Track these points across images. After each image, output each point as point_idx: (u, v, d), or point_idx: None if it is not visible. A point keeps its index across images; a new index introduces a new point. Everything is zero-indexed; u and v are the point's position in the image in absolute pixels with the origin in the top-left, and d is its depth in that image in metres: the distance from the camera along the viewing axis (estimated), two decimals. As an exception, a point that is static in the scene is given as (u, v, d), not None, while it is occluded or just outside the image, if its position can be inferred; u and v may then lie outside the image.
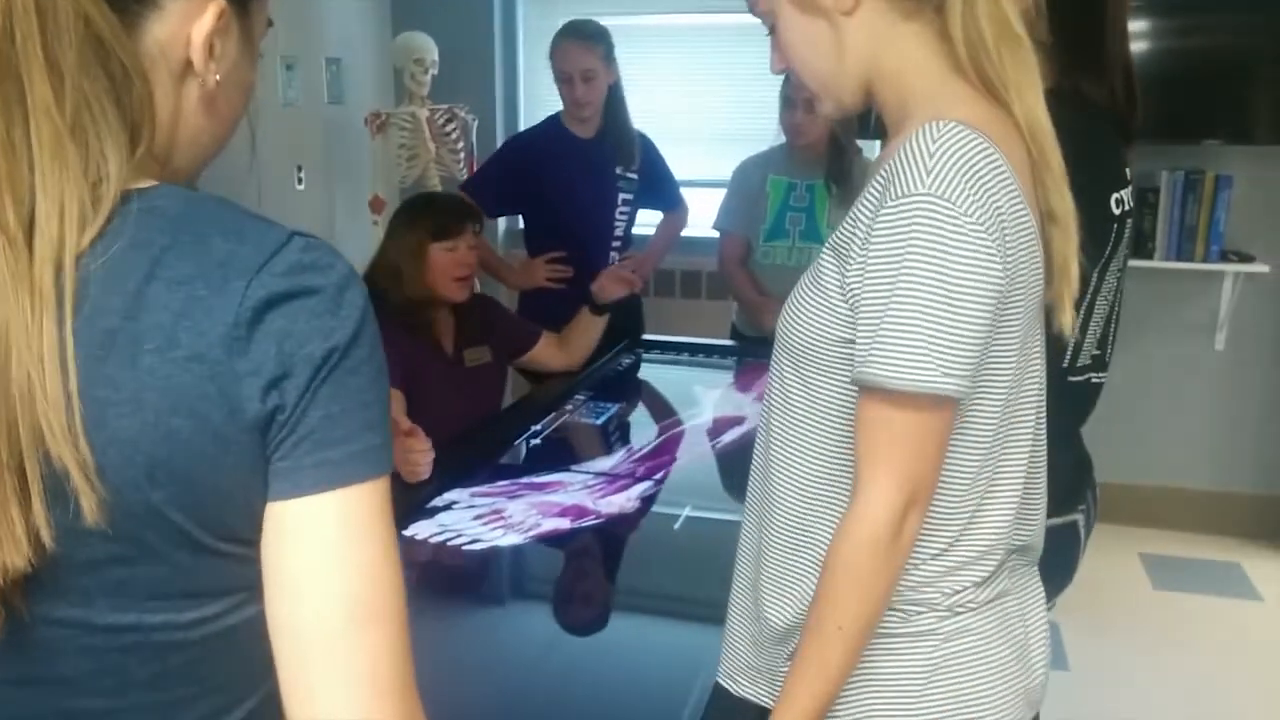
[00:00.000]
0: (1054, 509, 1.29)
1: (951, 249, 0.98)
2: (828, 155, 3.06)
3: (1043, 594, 1.25)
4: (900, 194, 1.00)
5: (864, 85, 1.15)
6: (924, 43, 1.09)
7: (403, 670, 0.71)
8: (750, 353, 3.08)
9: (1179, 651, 3.21)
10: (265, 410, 0.67)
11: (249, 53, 0.81)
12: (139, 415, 0.66)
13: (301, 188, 3.83)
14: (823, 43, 1.14)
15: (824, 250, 1.12)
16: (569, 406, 2.58)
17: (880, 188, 1.04)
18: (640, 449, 2.30)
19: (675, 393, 2.87)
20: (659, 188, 3.45)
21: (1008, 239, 1.01)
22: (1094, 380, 1.71)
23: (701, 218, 3.60)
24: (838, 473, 1.12)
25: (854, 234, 1.07)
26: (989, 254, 0.99)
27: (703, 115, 4.24)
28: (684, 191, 3.57)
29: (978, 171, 0.99)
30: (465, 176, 3.88)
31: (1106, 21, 1.62)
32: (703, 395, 2.74)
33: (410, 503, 1.93)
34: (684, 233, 3.62)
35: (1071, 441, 1.72)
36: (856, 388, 1.05)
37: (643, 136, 3.35)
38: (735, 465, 2.30)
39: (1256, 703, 3.00)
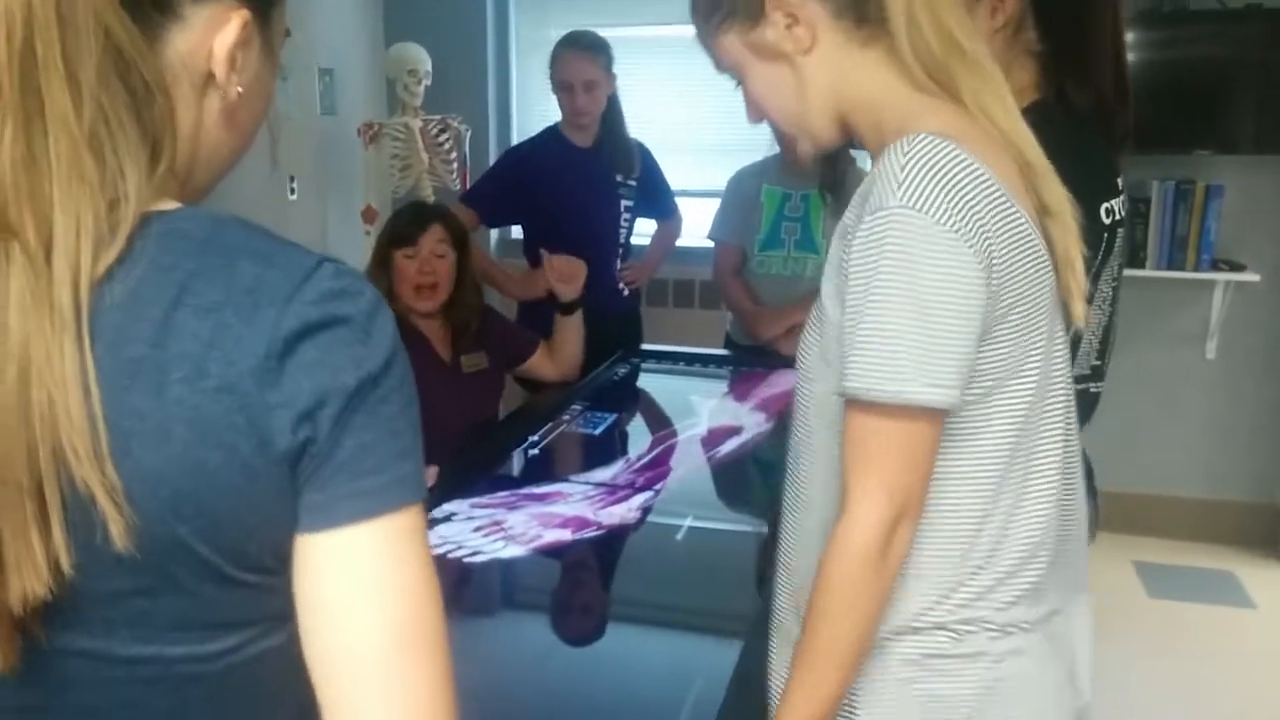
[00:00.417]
0: None
1: (923, 259, 0.98)
2: (822, 165, 3.06)
3: (1089, 613, 1.24)
4: (874, 209, 1.01)
5: (837, 118, 1.16)
6: (885, 67, 1.10)
7: (446, 696, 0.71)
8: (745, 362, 3.09)
9: (1173, 659, 3.22)
10: (296, 442, 0.66)
11: (270, 63, 0.80)
12: (165, 447, 0.64)
13: (294, 198, 3.82)
14: (788, 85, 1.16)
15: (823, 278, 1.13)
16: (566, 416, 2.58)
17: (858, 206, 1.06)
18: (639, 459, 2.29)
19: (672, 402, 2.87)
20: (655, 197, 3.47)
21: (995, 241, 1.01)
22: (1092, 390, 1.71)
23: (695, 227, 3.60)
24: None
25: (839, 258, 1.08)
26: (964, 261, 0.99)
27: (696, 125, 4.25)
28: (678, 201, 3.58)
29: (952, 179, 1.00)
30: (458, 187, 3.88)
31: (1093, 23, 1.63)
32: (699, 405, 2.74)
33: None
34: (677, 242, 3.64)
35: None
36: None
37: (641, 145, 3.37)
38: (735, 475, 2.30)
39: (1251, 710, 3.01)
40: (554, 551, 1.85)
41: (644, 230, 3.55)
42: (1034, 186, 1.09)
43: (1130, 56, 3.44)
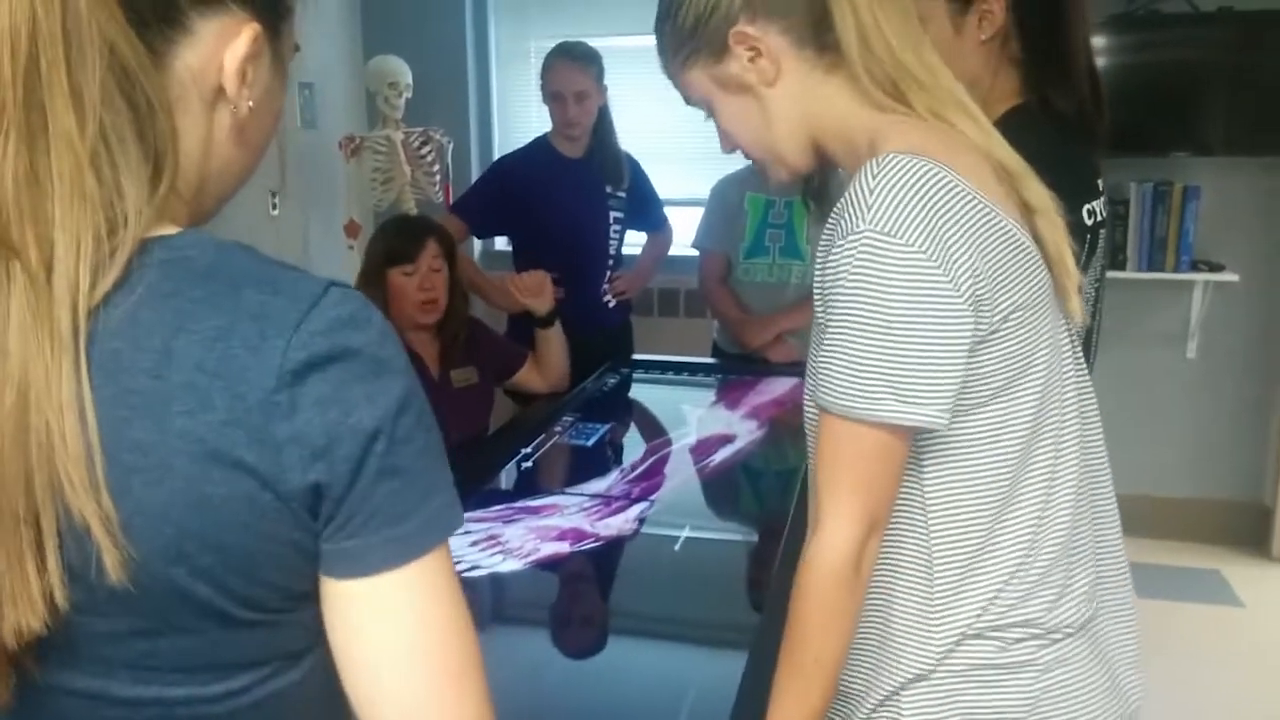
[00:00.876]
0: None
1: (890, 282, 0.99)
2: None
3: (1134, 617, 1.25)
4: (845, 233, 1.02)
5: (809, 145, 1.17)
6: (849, 92, 1.11)
7: (489, 708, 0.71)
8: (734, 370, 3.09)
9: (1162, 659, 3.23)
10: (307, 482, 0.65)
11: (280, 78, 0.78)
12: (168, 482, 0.62)
13: (276, 213, 3.80)
14: (756, 116, 1.17)
15: (814, 289, 1.14)
16: (557, 428, 2.57)
17: (831, 229, 1.07)
18: (633, 469, 2.29)
19: (662, 412, 2.86)
20: (645, 208, 3.47)
21: (974, 253, 1.02)
22: None
23: (679, 236, 3.61)
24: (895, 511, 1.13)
25: (820, 274, 1.10)
26: (934, 282, 1.00)
27: (678, 134, 4.24)
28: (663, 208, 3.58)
29: (922, 198, 1.00)
30: (441, 199, 3.87)
31: (1071, 33, 1.65)
32: (690, 414, 2.74)
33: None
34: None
35: None
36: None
37: (630, 157, 3.37)
38: (731, 484, 2.30)
39: (1240, 708, 3.03)
40: (553, 564, 1.85)
41: (633, 241, 3.54)
42: (1014, 189, 1.10)
43: (1105, 60, 3.52)
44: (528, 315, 3.06)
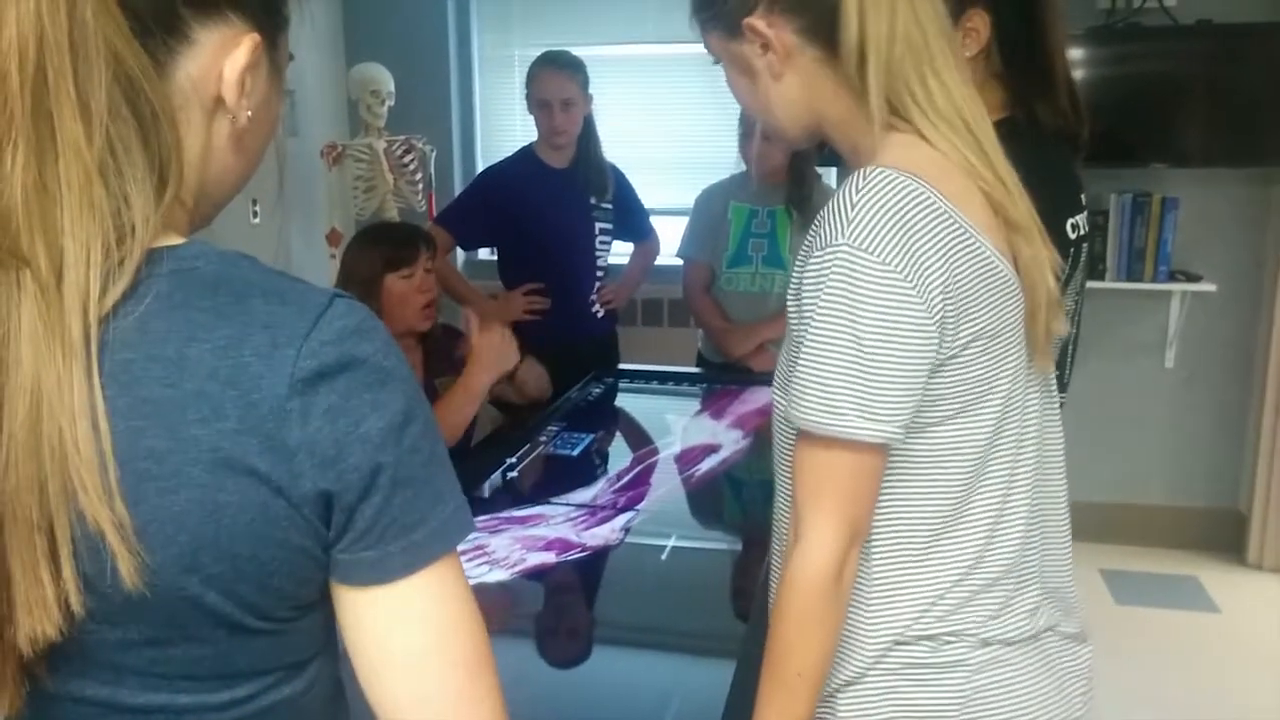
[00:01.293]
0: None
1: (862, 298, 1.01)
2: (788, 181, 3.08)
3: (1084, 638, 1.26)
4: (823, 245, 1.04)
5: (807, 129, 1.19)
6: (854, 96, 1.12)
7: (502, 702, 0.74)
8: (718, 380, 3.09)
9: (1141, 665, 3.26)
10: (317, 490, 0.66)
11: (277, 87, 0.79)
12: (183, 491, 0.63)
13: (257, 221, 3.78)
14: (760, 98, 1.19)
15: (788, 298, 1.15)
16: (543, 438, 2.57)
17: (812, 236, 1.08)
18: (619, 479, 2.29)
19: (647, 421, 2.87)
20: (630, 219, 3.47)
21: (948, 275, 1.03)
22: None
23: (664, 245, 3.62)
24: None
25: (796, 279, 1.11)
26: (907, 301, 1.01)
27: (663, 144, 4.27)
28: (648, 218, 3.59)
29: (902, 218, 1.02)
30: (424, 208, 3.86)
31: (1050, 46, 1.67)
32: (675, 423, 2.74)
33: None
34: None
35: None
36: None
37: (614, 167, 3.37)
38: (715, 493, 2.31)
39: (1217, 713, 3.05)
40: (539, 574, 1.85)
41: (619, 250, 3.54)
42: (1000, 206, 1.10)
43: (1084, 72, 3.55)
44: (516, 326, 3.05)
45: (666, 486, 2.27)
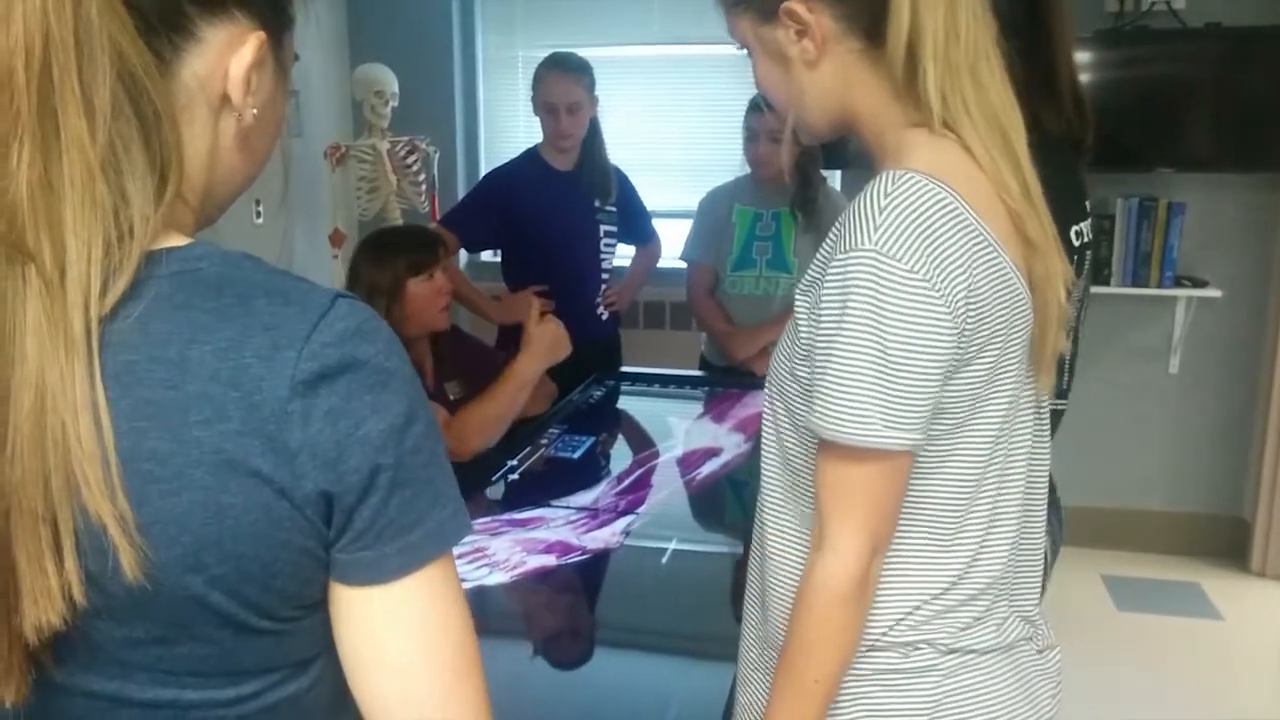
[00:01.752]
0: None
1: (888, 305, 0.99)
2: (793, 184, 3.08)
3: (1054, 649, 1.24)
4: (848, 248, 1.01)
5: (836, 122, 1.16)
6: (888, 90, 1.09)
7: (488, 705, 0.74)
8: (721, 383, 3.09)
9: (1143, 671, 3.25)
10: (317, 490, 0.66)
11: (282, 86, 0.79)
12: (186, 493, 0.64)
13: (260, 222, 3.78)
14: (788, 86, 1.15)
15: (796, 294, 1.13)
16: (544, 440, 2.56)
17: (835, 237, 1.06)
18: (620, 482, 2.28)
19: (649, 424, 2.87)
20: (633, 222, 3.46)
21: (969, 284, 1.01)
22: (1053, 407, 1.73)
23: (666, 248, 3.61)
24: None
25: (813, 274, 1.09)
26: (932, 309, 0.99)
27: (667, 146, 4.26)
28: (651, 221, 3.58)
29: (928, 225, 1.00)
30: (427, 209, 3.86)
31: (1055, 49, 1.66)
32: (677, 426, 2.74)
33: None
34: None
35: None
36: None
37: (618, 170, 3.37)
38: (717, 496, 2.30)
39: (1224, 722, 3.04)
40: (539, 577, 1.84)
41: (623, 253, 3.54)
42: (1019, 220, 1.08)
43: (1092, 75, 3.53)
44: (520, 328, 3.05)
45: (668, 490, 2.26)
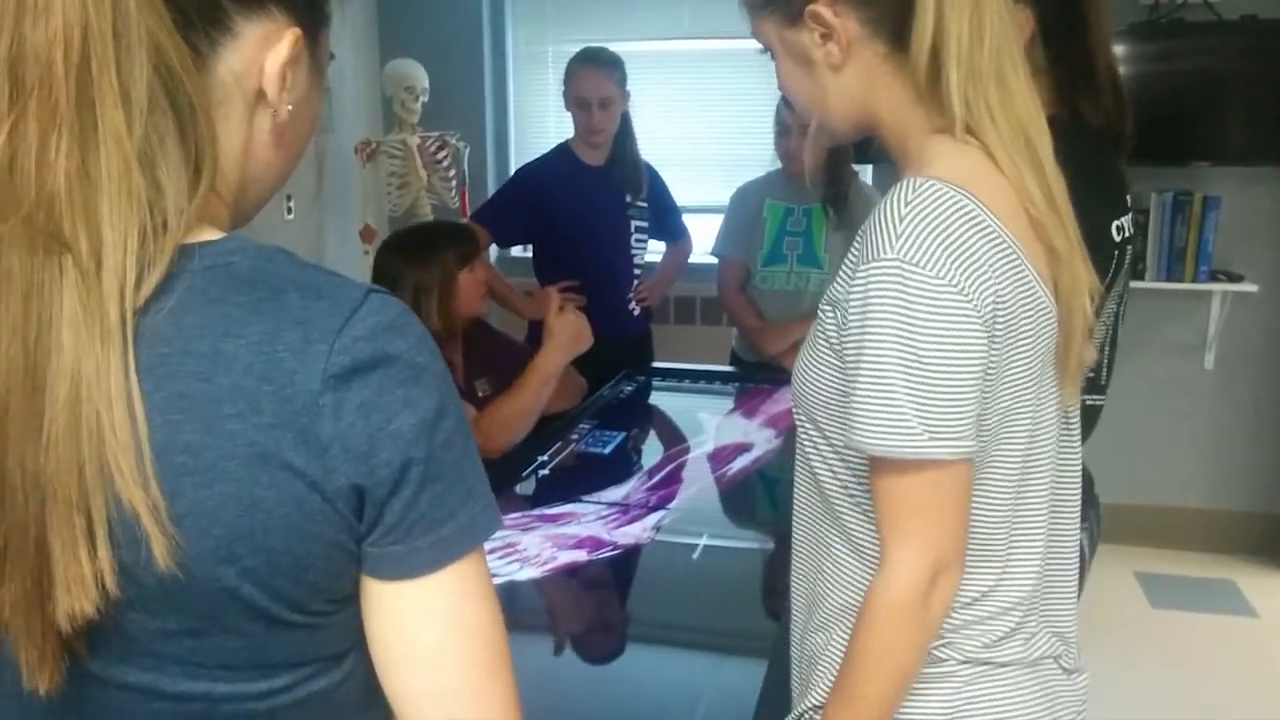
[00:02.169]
0: None
1: (917, 313, 0.97)
2: (824, 179, 3.06)
3: (1081, 672, 1.22)
4: (872, 257, 1.00)
5: (858, 126, 1.15)
6: (913, 95, 1.08)
7: (517, 701, 0.75)
8: (750, 378, 3.08)
9: (1177, 669, 3.22)
10: (350, 484, 0.67)
11: (317, 84, 0.80)
12: (219, 485, 0.64)
13: (291, 217, 3.81)
14: (813, 89, 1.14)
15: (823, 303, 1.12)
16: (574, 436, 2.56)
17: (858, 249, 1.05)
18: (650, 478, 2.28)
19: (680, 420, 2.86)
20: (664, 218, 3.46)
21: (997, 290, 1.00)
22: (1088, 403, 1.72)
23: (697, 243, 3.61)
24: (855, 522, 1.12)
25: (840, 289, 1.07)
26: (961, 312, 0.98)
27: (698, 141, 4.26)
28: (682, 217, 3.58)
29: (952, 232, 0.98)
30: (457, 204, 3.87)
31: (1095, 41, 1.64)
32: (707, 422, 2.74)
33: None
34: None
35: None
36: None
37: (649, 166, 3.37)
38: (748, 492, 2.30)
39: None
40: (570, 572, 1.84)
41: (654, 248, 3.54)
42: (1043, 230, 1.07)
43: (1127, 68, 3.48)
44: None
45: (698, 485, 2.26)
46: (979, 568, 1.09)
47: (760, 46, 1.20)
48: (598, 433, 2.59)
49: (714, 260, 3.31)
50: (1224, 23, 3.59)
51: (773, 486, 2.33)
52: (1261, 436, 3.99)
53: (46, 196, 0.62)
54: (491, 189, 4.00)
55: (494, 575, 1.75)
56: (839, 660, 1.11)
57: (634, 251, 3.37)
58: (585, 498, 2.16)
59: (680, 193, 3.54)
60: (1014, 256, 1.02)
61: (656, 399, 3.06)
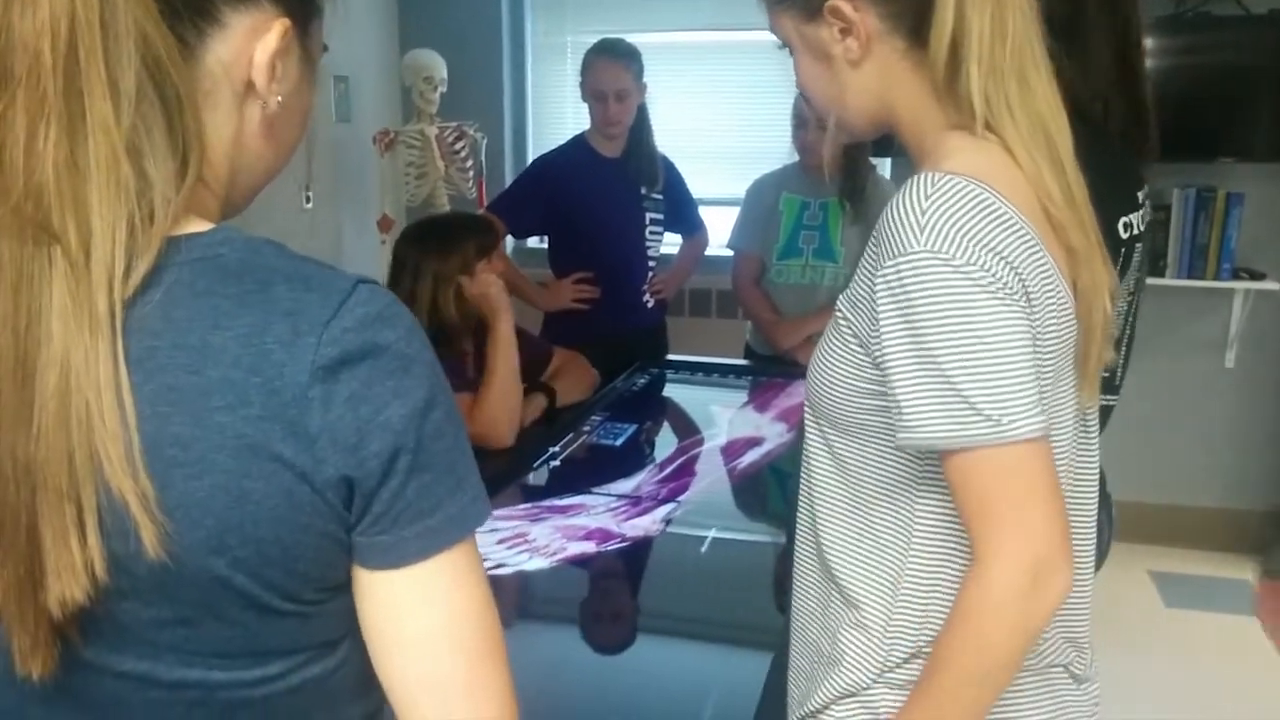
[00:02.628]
0: None
1: (955, 299, 0.95)
2: (841, 172, 3.04)
3: (1093, 694, 1.20)
4: (898, 252, 0.98)
5: (877, 122, 1.13)
6: (931, 91, 1.07)
7: (511, 686, 0.75)
8: (765, 372, 3.08)
9: (1190, 669, 3.20)
10: (339, 475, 0.67)
11: (309, 75, 0.79)
12: (208, 477, 0.64)
13: (309, 207, 3.82)
14: (831, 85, 1.13)
15: (839, 303, 1.10)
16: (586, 427, 2.56)
17: (877, 244, 1.03)
18: (661, 470, 2.28)
19: (692, 413, 2.86)
20: (680, 211, 3.46)
21: (1023, 282, 0.98)
22: (1102, 403, 1.70)
23: (714, 236, 3.60)
24: (879, 525, 1.10)
25: (862, 287, 1.05)
26: (999, 294, 0.95)
27: (715, 133, 4.24)
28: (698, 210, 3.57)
29: (976, 224, 0.96)
30: (474, 195, 3.87)
31: (1090, 32, 1.61)
32: (720, 415, 2.73)
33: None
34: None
35: None
36: (908, 448, 1.02)
37: (665, 158, 3.36)
38: (758, 486, 2.29)
39: (1274, 722, 2.99)
40: (579, 563, 1.84)
41: (670, 240, 3.53)
42: (1061, 229, 1.04)
43: (1153, 63, 3.45)
44: (565, 314, 3.04)
45: (709, 478, 2.26)
46: None
47: (778, 41, 1.18)
48: (609, 425, 2.59)
49: (730, 253, 3.30)
50: (1251, 17, 3.55)
51: (783, 480, 2.32)
52: (1281, 436, 3.95)
53: (35, 187, 0.63)
54: (509, 180, 4.00)
55: (504, 565, 1.78)
56: (847, 663, 1.09)
57: (649, 244, 3.36)
58: (596, 489, 2.16)
59: (697, 185, 3.53)
60: (1038, 250, 1.00)
61: (670, 391, 3.06)
